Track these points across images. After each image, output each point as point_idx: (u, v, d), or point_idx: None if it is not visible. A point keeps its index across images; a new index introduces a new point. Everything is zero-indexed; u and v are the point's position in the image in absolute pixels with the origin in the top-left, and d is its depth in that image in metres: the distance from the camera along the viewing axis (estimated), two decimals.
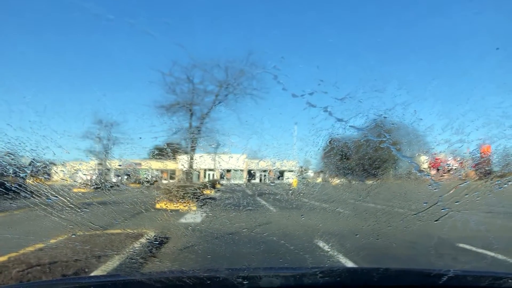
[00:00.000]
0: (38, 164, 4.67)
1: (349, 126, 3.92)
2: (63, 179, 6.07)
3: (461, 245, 7.73)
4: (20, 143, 4.18)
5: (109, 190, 7.35)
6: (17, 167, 4.43)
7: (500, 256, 6.84)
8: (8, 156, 4.25)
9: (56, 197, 4.58)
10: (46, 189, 4.56)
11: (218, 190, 18.28)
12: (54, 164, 5.93)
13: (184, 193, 10.06)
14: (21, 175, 4.43)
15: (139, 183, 11.54)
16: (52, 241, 6.38)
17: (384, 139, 4.00)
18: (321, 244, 7.21)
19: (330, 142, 5.76)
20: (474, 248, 7.49)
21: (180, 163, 19.12)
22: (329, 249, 6.87)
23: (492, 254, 6.98)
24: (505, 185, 4.45)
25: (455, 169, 5.96)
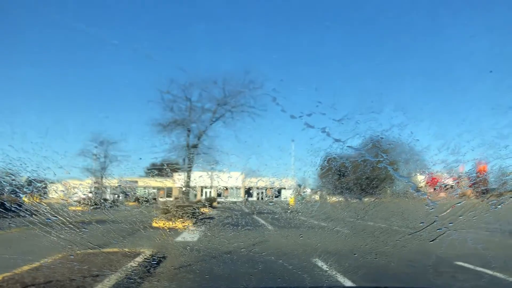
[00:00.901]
0: (39, 185, 4.69)
1: (347, 146, 3.99)
2: (63, 200, 6.08)
3: (459, 263, 7.73)
4: (21, 164, 4.21)
5: (107, 209, 7.35)
6: (17, 187, 4.45)
7: (498, 275, 6.84)
8: (9, 176, 4.28)
9: (56, 217, 4.59)
10: (45, 209, 4.57)
11: (215, 208, 18.21)
12: (53, 183, 5.95)
13: (181, 212, 10.03)
14: (21, 195, 4.46)
15: (137, 201, 11.52)
16: (49, 260, 6.34)
17: (381, 159, 4.06)
18: (319, 263, 7.19)
19: (328, 161, 5.82)
20: (472, 266, 7.49)
21: (178, 181, 19.06)
22: (327, 268, 6.85)
23: (490, 272, 6.98)
24: (499, 206, 4.50)
25: (452, 186, 6.01)
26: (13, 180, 4.38)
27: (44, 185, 5.03)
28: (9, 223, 5.11)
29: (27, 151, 4.40)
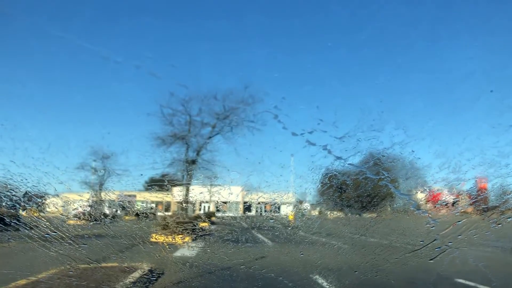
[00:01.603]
0: (38, 200, 4.69)
1: (348, 164, 4.00)
2: (62, 215, 6.05)
3: (460, 280, 7.66)
4: (22, 179, 4.21)
5: (106, 224, 7.31)
6: (17, 202, 4.44)
7: None
8: (9, 192, 4.28)
9: (55, 232, 4.57)
10: (45, 224, 4.55)
11: (214, 223, 18.10)
12: (53, 196, 5.93)
13: (179, 227, 9.96)
14: (21, 211, 4.45)
15: (136, 215, 11.46)
16: (47, 275, 6.28)
17: (382, 177, 4.07)
18: (319, 280, 7.13)
19: (329, 178, 5.82)
20: (473, 284, 7.42)
21: (176, 195, 18.99)
22: (327, 286, 6.79)
23: None
24: (500, 225, 4.49)
25: (453, 204, 6.00)
26: (13, 195, 4.37)
27: (43, 200, 5.02)
28: (8, 238, 5.07)
29: (28, 167, 4.41)
